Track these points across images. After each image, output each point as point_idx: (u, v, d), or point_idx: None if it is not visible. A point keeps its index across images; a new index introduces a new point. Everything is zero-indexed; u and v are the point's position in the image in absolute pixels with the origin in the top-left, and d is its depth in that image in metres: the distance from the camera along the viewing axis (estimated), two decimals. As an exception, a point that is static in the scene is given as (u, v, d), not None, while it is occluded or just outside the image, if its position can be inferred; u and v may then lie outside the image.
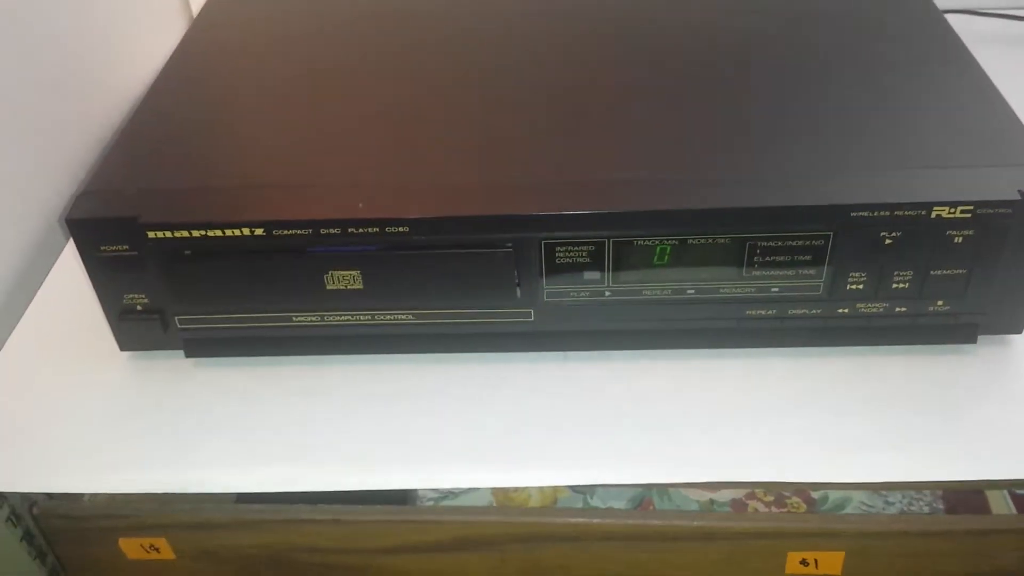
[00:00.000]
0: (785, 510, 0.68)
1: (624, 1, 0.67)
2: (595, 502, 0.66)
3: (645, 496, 0.66)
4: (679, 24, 0.63)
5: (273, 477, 0.49)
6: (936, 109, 0.53)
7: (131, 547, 0.53)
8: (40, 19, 0.65)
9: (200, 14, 0.69)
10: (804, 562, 0.50)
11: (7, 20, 0.62)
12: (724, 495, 0.66)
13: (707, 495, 0.66)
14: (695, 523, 0.50)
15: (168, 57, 0.63)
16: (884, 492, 0.64)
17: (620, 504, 0.66)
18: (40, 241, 0.65)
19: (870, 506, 0.67)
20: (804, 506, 0.68)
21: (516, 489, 0.62)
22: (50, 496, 0.53)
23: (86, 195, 0.51)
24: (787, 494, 0.66)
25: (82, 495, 0.53)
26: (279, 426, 0.51)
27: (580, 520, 0.50)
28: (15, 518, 0.53)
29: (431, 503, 0.64)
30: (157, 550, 0.53)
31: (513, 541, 0.51)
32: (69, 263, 0.62)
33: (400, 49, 0.63)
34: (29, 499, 0.53)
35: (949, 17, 0.63)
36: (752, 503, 0.69)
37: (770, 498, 0.68)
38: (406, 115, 0.56)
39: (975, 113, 0.53)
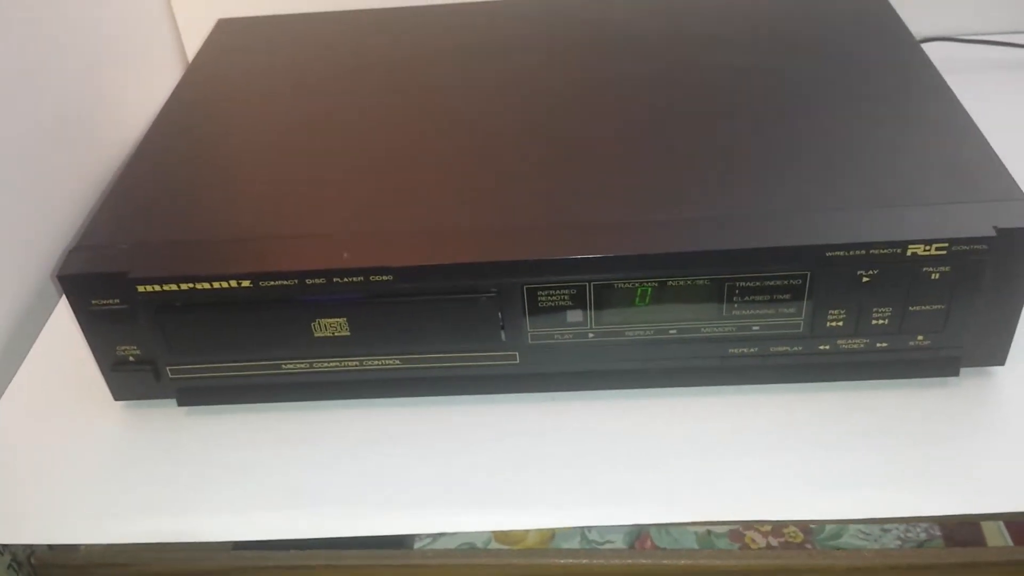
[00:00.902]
0: (783, 539, 0.68)
1: (601, 45, 0.68)
2: (593, 535, 0.66)
3: (643, 529, 0.66)
4: (653, 66, 0.64)
5: (267, 524, 0.50)
6: (912, 144, 0.54)
7: (128, 595, 0.53)
8: (33, 72, 0.66)
9: (191, 66, 0.71)
10: (793, 598, 0.50)
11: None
12: (722, 525, 0.66)
13: (705, 526, 0.66)
14: (683, 562, 0.50)
15: (161, 107, 0.64)
16: (880, 520, 0.64)
17: (618, 537, 0.66)
18: (36, 295, 0.66)
19: (867, 533, 0.67)
20: (801, 535, 0.67)
21: (511, 526, 0.62)
22: (50, 546, 0.54)
23: (77, 251, 0.52)
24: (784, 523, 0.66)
25: (79, 546, 0.54)
26: (272, 473, 0.52)
27: (571, 561, 0.51)
28: (16, 565, 0.54)
29: (429, 540, 0.65)
30: (153, 598, 0.53)
31: (505, 583, 0.52)
32: (64, 316, 0.63)
33: (384, 99, 0.64)
34: (28, 548, 0.54)
35: (927, 46, 0.64)
36: (749, 533, 0.69)
37: (767, 527, 0.68)
38: (389, 163, 0.57)
39: (951, 148, 0.53)
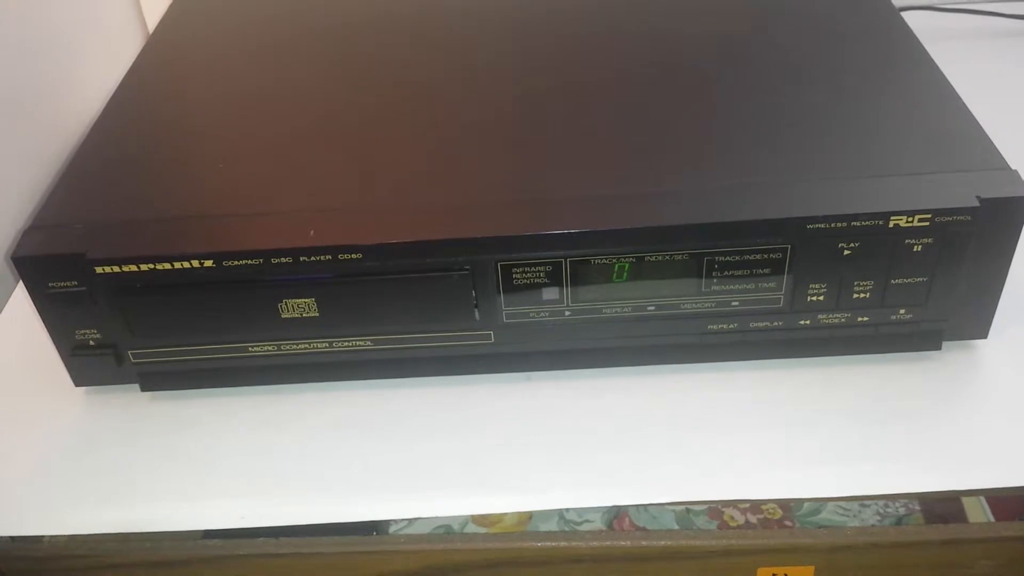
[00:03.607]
0: (761, 516, 0.67)
1: (575, 16, 0.66)
2: (571, 515, 0.66)
3: (621, 508, 0.66)
4: (627, 36, 0.63)
5: (236, 511, 0.49)
6: (893, 115, 0.53)
7: (93, 586, 0.52)
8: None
9: (151, 38, 0.68)
10: (775, 578, 0.50)
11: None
12: (701, 503, 0.66)
13: (684, 504, 0.66)
14: (663, 543, 0.49)
15: (120, 81, 0.62)
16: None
17: (596, 516, 0.65)
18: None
19: (846, 509, 0.66)
20: (780, 511, 0.67)
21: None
22: (12, 539, 0.52)
23: (32, 231, 0.50)
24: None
25: (42, 537, 0.52)
26: (239, 459, 0.51)
27: (547, 544, 0.50)
28: (-23, 559, 0.52)
29: (404, 523, 0.63)
30: (119, 589, 0.52)
31: (481, 568, 0.50)
32: (22, 300, 0.61)
33: (350, 73, 0.62)
34: (-10, 540, 0.52)
35: (907, 15, 0.62)
36: (728, 510, 0.68)
37: (746, 504, 0.67)
38: (357, 138, 0.55)
39: (933, 118, 0.52)
